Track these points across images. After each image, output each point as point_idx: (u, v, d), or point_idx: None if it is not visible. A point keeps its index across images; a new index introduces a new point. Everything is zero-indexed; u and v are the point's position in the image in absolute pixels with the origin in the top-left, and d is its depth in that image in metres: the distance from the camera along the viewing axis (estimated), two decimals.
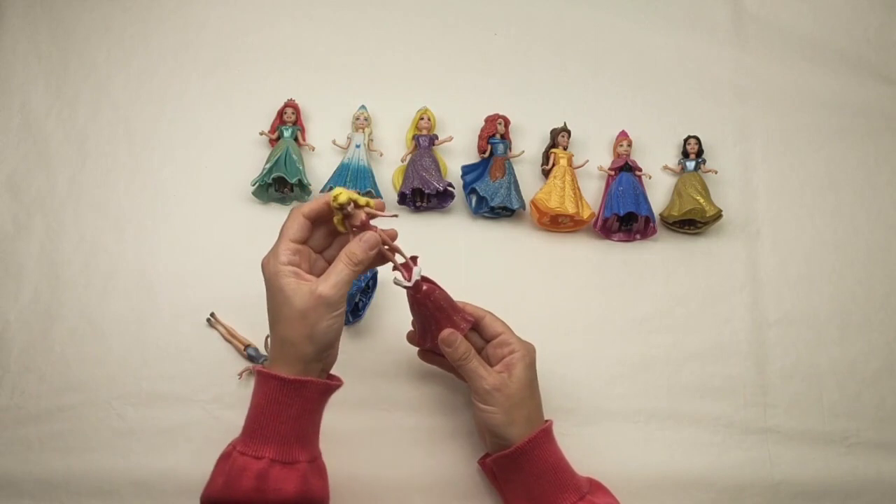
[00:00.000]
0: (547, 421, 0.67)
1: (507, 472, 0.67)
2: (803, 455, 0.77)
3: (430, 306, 0.65)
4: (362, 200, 0.60)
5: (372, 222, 0.61)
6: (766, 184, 0.89)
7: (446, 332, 0.65)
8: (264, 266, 0.61)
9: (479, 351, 0.68)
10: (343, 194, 0.59)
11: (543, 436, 0.65)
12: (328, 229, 0.64)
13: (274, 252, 0.61)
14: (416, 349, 0.73)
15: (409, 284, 0.63)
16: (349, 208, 0.60)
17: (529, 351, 0.67)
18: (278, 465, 0.60)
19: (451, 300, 0.66)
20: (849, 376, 0.81)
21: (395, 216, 0.63)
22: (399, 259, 0.63)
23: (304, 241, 0.62)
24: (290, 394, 0.60)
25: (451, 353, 0.66)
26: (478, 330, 0.69)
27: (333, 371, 0.65)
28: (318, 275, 0.61)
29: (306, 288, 0.59)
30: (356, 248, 0.60)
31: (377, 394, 0.76)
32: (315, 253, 0.64)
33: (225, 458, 0.61)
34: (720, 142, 0.90)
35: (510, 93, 0.91)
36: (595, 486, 0.68)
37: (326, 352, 0.61)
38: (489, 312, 0.69)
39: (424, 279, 0.64)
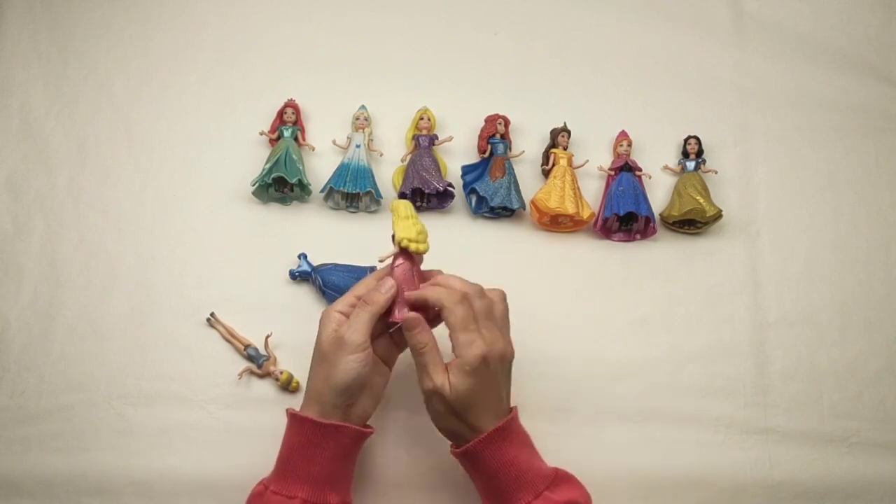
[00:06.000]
0: (492, 429, 0.62)
1: (465, 467, 0.66)
2: (803, 455, 0.77)
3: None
4: (423, 247, 0.66)
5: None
6: (766, 184, 0.89)
7: (411, 316, 0.62)
8: (322, 314, 0.65)
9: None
10: (424, 244, 0.66)
11: (488, 441, 0.62)
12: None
13: (336, 301, 0.65)
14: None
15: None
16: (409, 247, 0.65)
17: (473, 356, 0.60)
18: None
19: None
20: (849, 376, 0.81)
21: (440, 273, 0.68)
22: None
23: None
24: (324, 436, 0.61)
25: (409, 339, 0.63)
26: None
27: None
28: (374, 338, 0.64)
29: (331, 330, 0.62)
30: (374, 293, 0.63)
31: None
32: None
33: (257, 496, 0.62)
34: (720, 142, 0.90)
35: (510, 93, 0.91)
36: (560, 478, 0.64)
37: (345, 397, 0.62)
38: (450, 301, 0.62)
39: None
